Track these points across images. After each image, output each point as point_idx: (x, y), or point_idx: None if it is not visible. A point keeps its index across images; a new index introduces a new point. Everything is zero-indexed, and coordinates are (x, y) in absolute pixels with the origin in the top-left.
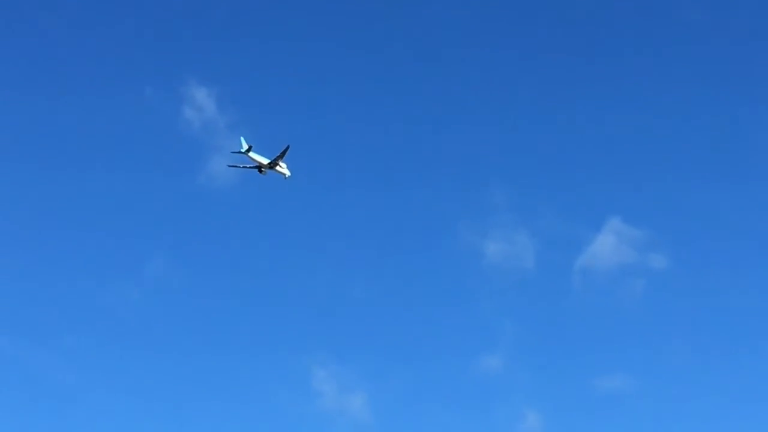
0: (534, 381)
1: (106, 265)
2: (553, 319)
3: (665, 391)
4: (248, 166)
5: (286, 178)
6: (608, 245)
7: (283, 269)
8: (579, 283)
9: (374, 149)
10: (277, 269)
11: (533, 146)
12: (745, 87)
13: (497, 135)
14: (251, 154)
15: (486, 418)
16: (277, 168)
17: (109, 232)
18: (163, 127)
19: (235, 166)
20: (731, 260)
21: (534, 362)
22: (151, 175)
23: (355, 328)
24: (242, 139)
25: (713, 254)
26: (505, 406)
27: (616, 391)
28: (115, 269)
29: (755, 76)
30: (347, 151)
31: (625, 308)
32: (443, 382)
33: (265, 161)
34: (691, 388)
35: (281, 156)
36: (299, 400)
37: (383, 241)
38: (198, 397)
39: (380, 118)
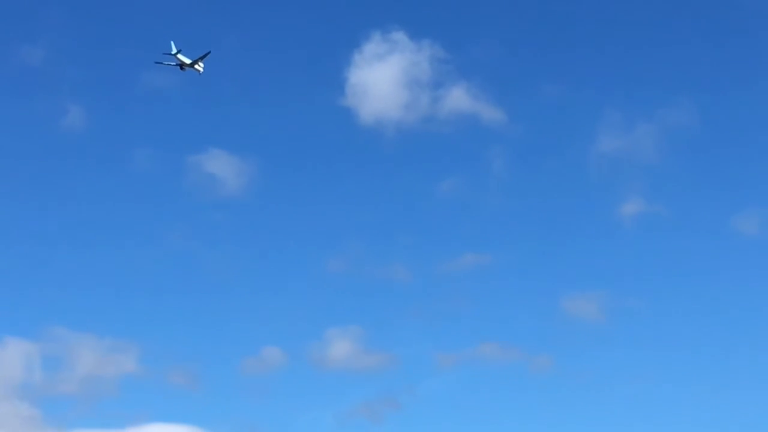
0: (78, 75)
1: None
2: (102, 6)
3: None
4: (172, 63)
5: (200, 73)
6: None
7: None
8: None
9: None
10: None
11: None
12: None
13: None
14: (179, 56)
15: (29, 112)
16: (195, 66)
17: None
18: None
19: (161, 63)
20: None
21: (79, 55)
22: None
23: None
24: (172, 43)
25: None
26: (48, 100)
27: (160, 87)
28: None
29: None
30: None
31: None
32: None
33: (188, 61)
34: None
35: (201, 59)
36: None
37: None
38: None
39: None
